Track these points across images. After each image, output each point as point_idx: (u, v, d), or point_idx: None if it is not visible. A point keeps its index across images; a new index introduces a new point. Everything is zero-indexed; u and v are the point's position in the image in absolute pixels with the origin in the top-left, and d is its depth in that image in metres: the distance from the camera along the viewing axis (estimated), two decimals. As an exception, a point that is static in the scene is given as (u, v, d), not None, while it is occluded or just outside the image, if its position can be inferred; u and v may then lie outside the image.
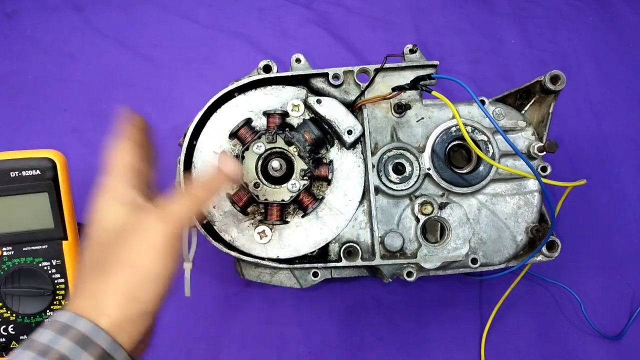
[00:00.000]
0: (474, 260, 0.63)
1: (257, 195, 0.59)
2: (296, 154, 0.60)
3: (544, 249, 0.63)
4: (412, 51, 0.64)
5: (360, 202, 0.62)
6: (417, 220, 0.63)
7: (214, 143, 0.61)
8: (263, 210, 0.61)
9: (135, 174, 0.47)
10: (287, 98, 0.62)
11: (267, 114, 0.61)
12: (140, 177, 0.48)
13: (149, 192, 0.47)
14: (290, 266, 0.61)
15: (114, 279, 0.41)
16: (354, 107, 0.63)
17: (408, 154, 0.63)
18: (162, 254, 0.42)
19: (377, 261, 0.60)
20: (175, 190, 0.49)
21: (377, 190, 0.63)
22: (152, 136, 0.51)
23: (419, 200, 0.62)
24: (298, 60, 0.64)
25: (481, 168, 0.63)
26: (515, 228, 0.64)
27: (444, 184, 0.63)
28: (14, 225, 0.61)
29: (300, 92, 0.63)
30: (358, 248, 0.61)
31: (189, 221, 0.48)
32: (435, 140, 0.63)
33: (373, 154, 0.62)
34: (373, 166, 0.62)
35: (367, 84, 0.63)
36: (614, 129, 0.90)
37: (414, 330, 0.78)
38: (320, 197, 0.62)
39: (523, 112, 0.67)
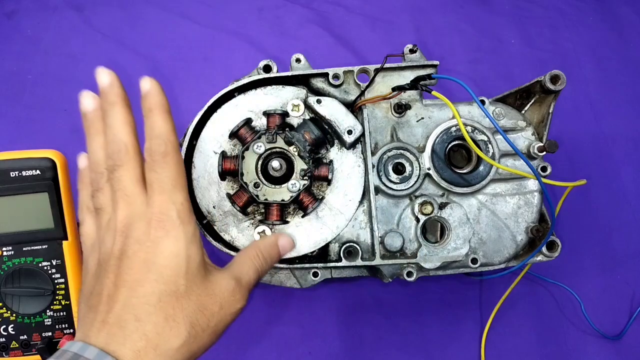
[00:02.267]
0: (474, 260, 0.63)
1: (257, 195, 0.59)
2: (296, 154, 0.60)
3: (544, 249, 0.63)
4: (412, 51, 0.64)
5: (360, 202, 0.62)
6: (417, 220, 0.63)
7: (214, 143, 0.61)
8: (263, 210, 0.61)
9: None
10: (287, 98, 0.62)
11: (267, 114, 0.61)
12: None
13: None
14: (290, 266, 0.61)
15: (179, 333, 0.41)
16: (354, 107, 0.63)
17: (408, 154, 0.63)
18: (230, 322, 0.45)
19: (377, 261, 0.60)
20: (242, 259, 0.49)
21: (377, 190, 0.63)
22: None
23: (419, 200, 0.62)
24: (298, 60, 0.64)
25: (481, 168, 0.63)
26: (515, 228, 0.64)
27: (444, 184, 0.63)
28: (14, 225, 0.61)
29: (300, 92, 0.63)
30: (358, 248, 0.61)
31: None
32: (435, 140, 0.63)
33: (373, 154, 0.62)
34: (373, 166, 0.62)
35: (367, 84, 0.63)
36: (614, 129, 0.90)
37: (414, 330, 0.78)
38: (320, 197, 0.62)
39: (523, 112, 0.67)
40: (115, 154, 0.42)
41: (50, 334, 0.63)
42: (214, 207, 0.60)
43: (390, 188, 0.63)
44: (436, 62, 0.64)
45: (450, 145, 0.64)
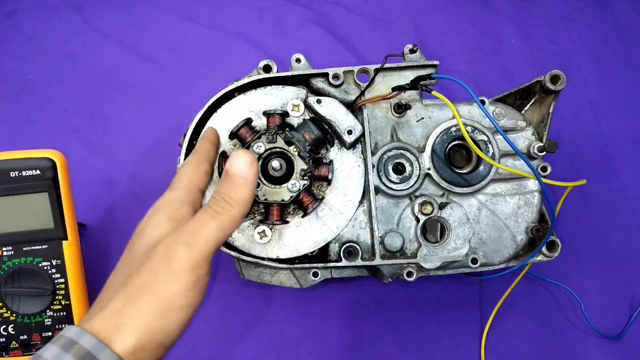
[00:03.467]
0: (474, 260, 0.63)
1: (257, 195, 0.59)
2: (296, 153, 0.60)
3: (544, 249, 0.63)
4: (412, 51, 0.64)
5: (360, 202, 0.62)
6: (417, 220, 0.63)
7: (214, 143, 0.61)
8: (263, 210, 0.61)
9: (199, 194, 0.49)
10: (287, 98, 0.62)
11: (267, 114, 0.61)
12: (200, 197, 0.49)
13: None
14: (290, 266, 0.61)
15: (138, 304, 0.39)
16: (354, 107, 0.63)
17: (408, 154, 0.63)
18: (187, 284, 0.40)
19: (377, 261, 0.60)
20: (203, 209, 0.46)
21: (377, 190, 0.63)
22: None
23: (419, 200, 0.62)
24: (298, 60, 0.64)
25: (481, 168, 0.63)
26: (515, 228, 0.64)
27: (444, 184, 0.63)
28: (14, 225, 0.61)
29: (300, 92, 0.63)
30: (358, 248, 0.61)
31: (218, 244, 0.43)
32: (435, 140, 0.63)
33: (373, 154, 0.62)
34: (373, 166, 0.62)
35: (367, 84, 0.63)
36: (614, 129, 0.90)
37: (414, 330, 0.78)
38: (320, 197, 0.62)
39: (523, 112, 0.67)
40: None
41: (50, 334, 0.63)
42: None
43: (390, 188, 0.63)
44: (436, 62, 0.64)
45: (450, 145, 0.64)
